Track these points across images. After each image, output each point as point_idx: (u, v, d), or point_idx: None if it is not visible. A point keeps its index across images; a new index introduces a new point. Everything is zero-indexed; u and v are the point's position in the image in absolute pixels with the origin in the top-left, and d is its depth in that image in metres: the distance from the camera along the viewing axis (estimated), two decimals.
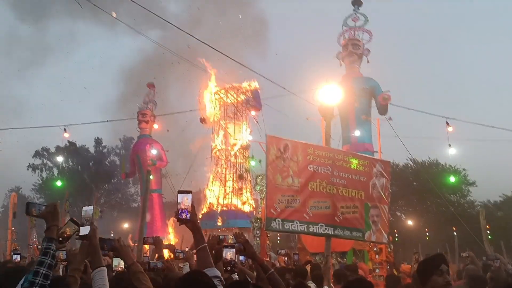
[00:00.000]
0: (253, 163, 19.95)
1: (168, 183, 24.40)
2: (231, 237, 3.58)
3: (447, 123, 15.58)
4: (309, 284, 4.90)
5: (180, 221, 2.49)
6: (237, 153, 21.36)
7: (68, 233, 2.37)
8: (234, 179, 20.91)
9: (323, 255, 6.46)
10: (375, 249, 11.84)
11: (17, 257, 6.55)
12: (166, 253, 6.19)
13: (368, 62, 20.06)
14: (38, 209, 2.29)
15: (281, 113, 21.35)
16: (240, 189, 20.56)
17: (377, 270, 11.56)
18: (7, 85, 75.06)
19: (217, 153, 21.92)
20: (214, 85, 22.59)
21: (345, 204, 6.54)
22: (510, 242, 17.66)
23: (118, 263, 3.03)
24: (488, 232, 14.56)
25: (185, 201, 2.48)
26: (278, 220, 5.96)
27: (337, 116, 18.16)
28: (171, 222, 22.24)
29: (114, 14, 15.95)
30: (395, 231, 28.75)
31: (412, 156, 30.46)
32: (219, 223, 19.11)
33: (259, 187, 13.66)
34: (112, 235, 32.26)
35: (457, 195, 36.32)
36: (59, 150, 37.41)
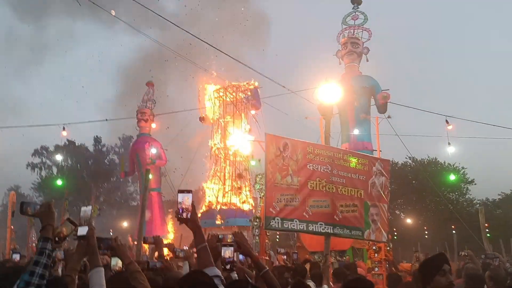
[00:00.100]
0: (253, 162, 19.94)
1: (168, 182, 24.41)
2: (231, 236, 3.57)
3: (447, 122, 15.57)
4: (308, 283, 4.90)
5: (181, 220, 2.49)
6: (236, 152, 21.35)
7: (64, 233, 2.36)
8: (233, 177, 20.90)
9: (322, 253, 6.47)
10: (374, 247, 11.85)
11: (16, 257, 6.51)
12: (165, 252, 6.19)
13: (367, 60, 20.07)
14: (33, 208, 2.28)
15: (280, 111, 21.32)
16: (239, 188, 20.54)
17: (376, 269, 11.58)
18: (6, 84, 74.96)
19: (216, 151, 21.91)
20: (214, 83, 22.58)
21: (345, 203, 6.55)
22: (509, 241, 17.69)
23: (116, 263, 3.03)
24: (487, 230, 14.59)
25: (186, 200, 2.48)
26: (277, 219, 5.96)
27: (336, 114, 18.18)
28: (170, 220, 22.25)
29: (113, 12, 15.91)
30: (394, 229, 28.83)
31: (412, 155, 30.48)
32: (218, 222, 19.10)
33: (258, 186, 13.65)
34: (111, 233, 32.27)
35: (456, 193, 36.40)
36: (58, 149, 37.37)
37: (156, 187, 23.60)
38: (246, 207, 20.07)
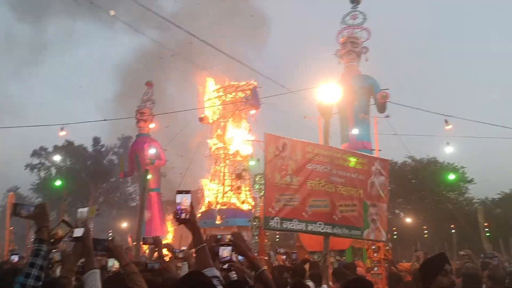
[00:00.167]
0: (252, 162, 19.92)
1: (168, 182, 24.39)
2: (229, 236, 3.56)
3: (446, 121, 15.55)
4: (307, 283, 4.89)
5: (179, 221, 2.47)
6: (236, 152, 21.33)
7: (60, 234, 2.34)
8: (233, 177, 20.88)
9: (322, 253, 6.46)
10: (373, 247, 11.84)
11: (15, 258, 6.47)
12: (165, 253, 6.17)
13: (366, 60, 20.06)
14: (27, 210, 2.26)
15: (280, 111, 21.33)
16: (239, 187, 20.52)
17: (375, 269, 11.56)
18: (5, 84, 74.88)
19: (216, 151, 21.89)
20: (213, 83, 22.55)
21: (344, 203, 6.54)
22: (508, 240, 17.69)
23: (113, 264, 3.01)
24: (487, 229, 14.58)
25: (184, 201, 2.46)
26: (277, 219, 5.95)
27: (336, 114, 18.17)
28: (170, 220, 22.22)
29: (112, 12, 15.88)
30: (394, 228, 28.84)
31: (411, 154, 30.46)
32: (218, 222, 19.08)
33: (257, 186, 13.63)
34: (110, 234, 32.25)
35: (456, 192, 36.41)
36: (57, 149, 37.32)
37: (155, 187, 23.58)
38: (245, 207, 20.05)
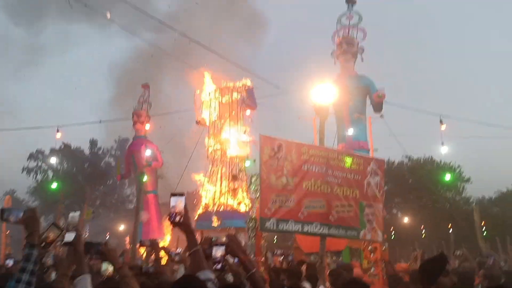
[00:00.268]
0: (247, 163, 19.90)
1: (165, 183, 24.32)
2: (224, 239, 3.55)
3: (441, 121, 15.61)
4: (304, 285, 4.88)
5: (174, 224, 2.46)
6: (232, 154, 21.31)
7: (51, 238, 2.32)
8: (230, 178, 20.85)
9: (318, 254, 6.45)
10: (369, 247, 11.82)
11: (9, 262, 6.41)
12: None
13: (362, 60, 20.10)
14: (15, 216, 2.22)
15: (275, 112, 21.34)
16: (235, 189, 20.49)
17: (372, 269, 11.54)
18: (1, 87, 74.58)
19: (213, 153, 21.86)
20: (210, 84, 22.55)
21: (340, 203, 6.54)
22: (505, 239, 17.74)
23: (106, 268, 2.99)
24: (484, 228, 14.62)
25: (179, 204, 2.45)
26: (273, 220, 5.94)
27: (332, 114, 18.20)
28: (167, 222, 22.15)
29: (108, 15, 15.86)
30: (392, 228, 28.88)
31: (408, 153, 30.56)
32: (215, 224, 19.04)
33: (254, 186, 13.61)
34: (108, 236, 32.14)
35: (453, 191, 36.49)
36: (53, 152, 37.17)
37: (152, 189, 23.54)
38: (243, 208, 20.01)
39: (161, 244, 8.49)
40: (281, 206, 6.03)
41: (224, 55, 11.32)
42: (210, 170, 21.79)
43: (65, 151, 38.19)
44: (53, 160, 35.52)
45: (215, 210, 19.96)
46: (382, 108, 18.14)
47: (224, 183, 21.04)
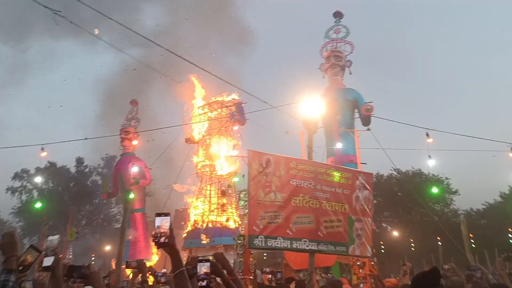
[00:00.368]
0: (235, 178, 19.79)
1: (153, 201, 23.94)
2: (211, 258, 3.48)
3: (427, 135, 15.77)
4: None
5: (158, 245, 2.39)
6: (221, 169, 21.19)
7: (29, 260, 2.22)
8: (219, 195, 20.68)
9: (308, 271, 6.35)
10: (358, 263, 11.73)
11: None
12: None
13: (350, 73, 20.30)
14: None
15: (264, 127, 21.34)
16: (223, 205, 20.30)
17: (361, 285, 11.42)
18: None
19: (202, 169, 21.71)
20: (200, 99, 22.58)
21: (329, 219, 6.48)
22: (493, 251, 17.82)
23: None
24: (472, 241, 14.65)
25: (164, 224, 2.38)
26: (261, 237, 5.84)
27: (321, 128, 18.25)
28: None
29: (96, 31, 15.78)
30: (381, 242, 28.81)
31: (396, 167, 30.74)
32: (204, 242, 18.76)
33: (242, 202, 13.49)
34: (93, 257, 31.34)
35: (441, 204, 36.72)
36: (39, 171, 36.46)
37: (140, 207, 23.19)
38: (232, 224, 19.80)
39: (148, 265, 8.28)
40: (270, 222, 5.94)
41: (212, 70, 11.32)
42: (199, 186, 21.61)
43: (50, 169, 37.52)
44: (38, 179, 34.79)
45: (204, 227, 19.71)
46: (370, 122, 18.26)
47: (213, 199, 20.87)
